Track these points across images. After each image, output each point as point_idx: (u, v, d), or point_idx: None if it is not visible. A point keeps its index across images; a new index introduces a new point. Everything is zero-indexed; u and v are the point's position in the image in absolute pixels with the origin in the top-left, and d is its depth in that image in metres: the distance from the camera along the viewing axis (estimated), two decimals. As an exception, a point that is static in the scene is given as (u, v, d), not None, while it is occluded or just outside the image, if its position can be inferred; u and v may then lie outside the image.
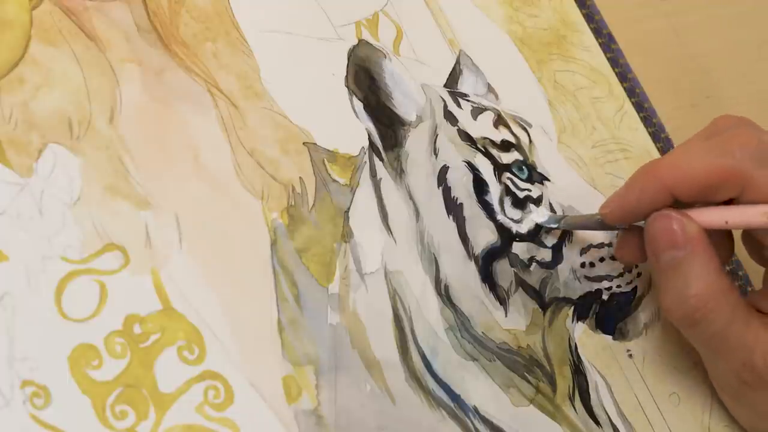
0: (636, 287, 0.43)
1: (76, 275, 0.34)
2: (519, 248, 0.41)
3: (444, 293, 0.40)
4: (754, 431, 0.42)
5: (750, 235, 0.41)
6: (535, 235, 0.42)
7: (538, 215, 0.42)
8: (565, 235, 0.42)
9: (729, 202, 0.38)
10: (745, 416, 0.41)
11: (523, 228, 0.42)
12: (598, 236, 0.43)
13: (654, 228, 0.38)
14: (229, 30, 0.41)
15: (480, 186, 0.42)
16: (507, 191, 0.42)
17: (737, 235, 0.42)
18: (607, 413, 0.41)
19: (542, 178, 0.43)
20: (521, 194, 0.42)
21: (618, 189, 0.40)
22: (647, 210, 0.38)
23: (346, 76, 0.42)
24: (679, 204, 0.38)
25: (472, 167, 0.42)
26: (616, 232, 0.43)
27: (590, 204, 0.43)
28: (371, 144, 0.41)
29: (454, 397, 0.38)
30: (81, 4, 0.39)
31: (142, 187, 0.37)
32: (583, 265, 0.42)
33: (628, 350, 0.43)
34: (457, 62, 0.45)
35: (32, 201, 0.35)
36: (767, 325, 0.38)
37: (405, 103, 0.43)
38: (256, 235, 0.38)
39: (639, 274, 0.43)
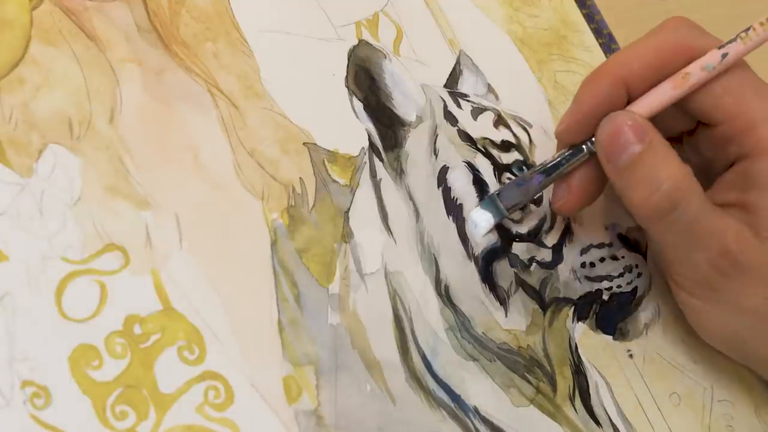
0: (636, 287, 0.43)
1: (76, 275, 0.34)
2: (519, 248, 0.41)
3: (444, 293, 0.40)
4: (730, 339, 0.41)
5: (700, 126, 0.41)
6: (535, 235, 0.42)
7: (477, 231, 0.41)
8: (566, 235, 0.42)
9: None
10: (717, 319, 0.40)
11: (523, 228, 0.42)
12: (599, 236, 0.43)
13: (607, 130, 0.38)
14: (229, 30, 0.41)
15: (480, 186, 0.42)
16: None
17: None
18: (607, 413, 0.41)
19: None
20: (521, 194, 0.42)
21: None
22: (603, 113, 0.38)
23: (346, 77, 0.42)
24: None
25: (472, 167, 0.42)
26: (617, 232, 0.43)
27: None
28: (371, 144, 0.41)
29: (455, 397, 0.38)
30: (81, 4, 0.39)
31: (142, 187, 0.37)
32: (583, 265, 0.42)
33: (629, 350, 0.43)
34: (457, 62, 0.45)
35: (32, 201, 0.35)
36: (730, 214, 0.38)
37: (405, 104, 0.43)
38: (257, 235, 0.38)
39: (639, 275, 0.43)
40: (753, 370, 0.43)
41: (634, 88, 0.38)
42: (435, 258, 0.40)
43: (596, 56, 0.49)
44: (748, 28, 0.39)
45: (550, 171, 0.40)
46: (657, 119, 0.38)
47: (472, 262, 0.41)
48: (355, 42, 0.43)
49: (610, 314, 0.43)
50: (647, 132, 0.37)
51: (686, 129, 0.41)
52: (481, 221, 0.41)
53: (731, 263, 0.37)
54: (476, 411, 0.38)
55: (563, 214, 0.42)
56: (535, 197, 0.41)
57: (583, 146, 0.39)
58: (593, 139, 0.39)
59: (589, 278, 0.42)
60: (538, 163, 0.42)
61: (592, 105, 0.38)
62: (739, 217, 0.38)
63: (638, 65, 0.38)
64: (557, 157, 0.40)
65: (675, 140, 0.41)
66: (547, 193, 0.42)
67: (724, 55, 0.38)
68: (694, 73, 0.38)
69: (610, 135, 0.38)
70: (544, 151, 0.44)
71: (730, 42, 0.38)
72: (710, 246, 0.38)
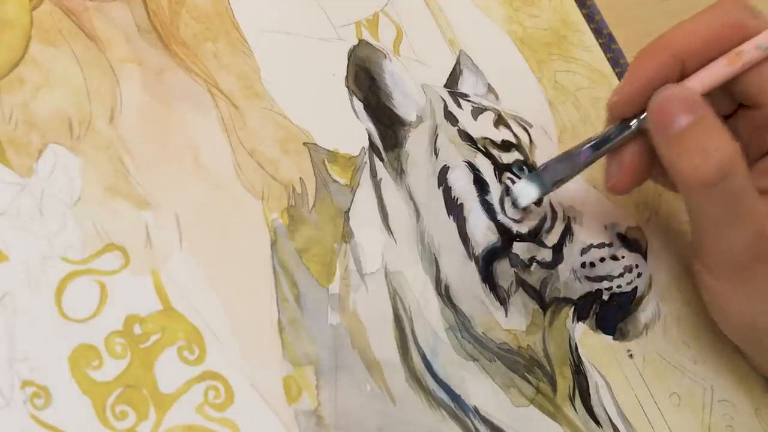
0: (636, 287, 0.43)
1: (76, 275, 0.34)
2: (519, 248, 0.41)
3: (444, 293, 0.40)
4: (746, 325, 0.41)
5: (745, 107, 0.41)
6: (536, 235, 0.42)
7: (521, 199, 0.41)
8: (566, 235, 0.42)
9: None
10: (743, 303, 0.40)
11: (524, 228, 0.42)
12: (599, 236, 0.43)
13: (659, 101, 0.38)
14: (229, 30, 0.41)
15: (480, 186, 0.42)
16: (507, 191, 0.42)
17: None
18: (607, 413, 0.41)
19: (542, 178, 0.43)
20: (521, 194, 0.42)
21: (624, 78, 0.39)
22: (656, 88, 0.38)
23: (347, 77, 0.42)
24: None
25: (472, 167, 0.42)
26: (617, 232, 0.43)
27: (590, 204, 0.43)
28: (371, 144, 0.41)
29: (455, 397, 0.38)
30: (81, 4, 0.39)
31: (142, 187, 0.37)
32: (583, 265, 0.42)
33: (629, 350, 0.43)
34: (458, 62, 0.45)
35: (32, 201, 0.35)
36: (766, 200, 0.38)
37: (405, 104, 0.43)
38: (257, 235, 0.38)
39: (639, 275, 0.43)
40: (756, 368, 0.43)
41: (688, 64, 0.39)
42: (435, 258, 0.40)
43: (596, 56, 0.49)
44: None
45: (599, 145, 0.39)
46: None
47: (473, 262, 0.41)
48: (355, 42, 0.43)
49: (610, 314, 0.43)
50: (699, 105, 0.37)
51: (726, 112, 0.41)
52: (524, 193, 0.40)
53: (767, 247, 0.37)
54: (476, 411, 0.38)
55: (616, 193, 0.41)
56: (579, 173, 0.41)
57: (631, 123, 0.39)
58: (643, 116, 0.39)
59: (589, 278, 0.42)
60: (548, 157, 0.41)
61: (646, 77, 0.38)
62: None
63: (693, 41, 0.38)
64: (607, 132, 0.39)
65: None
66: (547, 194, 0.42)
67: None
68: (748, 51, 0.38)
69: (661, 106, 0.38)
70: (545, 151, 0.44)
71: None
72: (750, 226, 0.37)
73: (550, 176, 0.40)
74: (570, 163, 0.40)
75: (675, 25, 0.39)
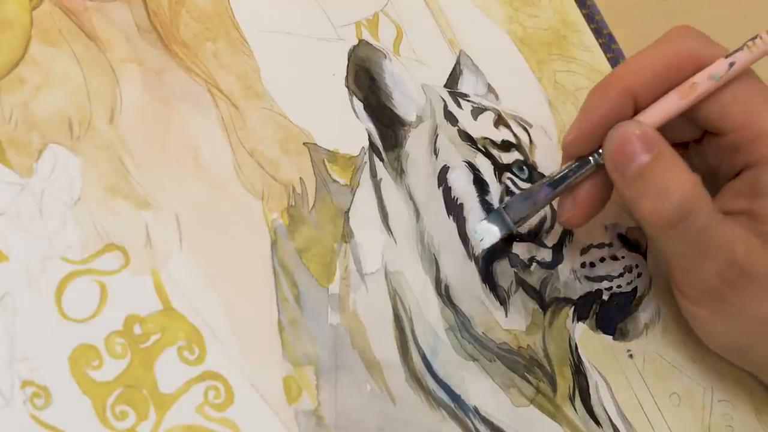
0: (636, 287, 0.43)
1: (76, 275, 0.34)
2: (519, 248, 0.41)
3: (444, 293, 0.40)
4: (732, 348, 0.41)
5: (707, 135, 0.41)
6: (536, 235, 0.42)
7: (483, 243, 0.40)
8: (566, 235, 0.42)
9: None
10: (721, 329, 0.40)
11: (524, 228, 0.42)
12: (599, 236, 0.43)
13: (615, 140, 0.37)
14: (229, 30, 0.41)
15: (480, 186, 0.42)
16: (507, 191, 0.42)
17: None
18: (607, 413, 0.41)
19: (542, 178, 0.43)
20: (521, 194, 0.42)
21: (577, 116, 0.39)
22: (611, 124, 0.38)
23: (347, 77, 0.42)
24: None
25: (472, 167, 0.42)
26: (617, 232, 0.43)
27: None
28: (371, 144, 0.41)
29: (455, 397, 0.38)
30: (81, 4, 0.39)
31: (142, 187, 0.37)
32: (583, 265, 0.42)
33: (629, 350, 0.43)
34: (458, 62, 0.45)
35: (32, 201, 0.35)
36: (737, 222, 0.38)
37: (405, 104, 0.43)
38: (257, 235, 0.38)
39: (639, 275, 0.43)
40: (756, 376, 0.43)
41: (642, 98, 0.38)
42: (435, 258, 0.40)
43: (596, 56, 0.49)
44: (755, 37, 0.38)
45: (557, 183, 0.39)
46: (664, 128, 0.38)
47: (473, 262, 0.41)
48: (355, 42, 0.43)
49: (610, 314, 0.43)
50: (655, 142, 0.37)
51: (693, 138, 0.41)
52: (487, 234, 0.40)
53: (739, 274, 0.37)
54: (476, 411, 0.38)
55: (570, 227, 0.42)
56: (540, 210, 0.41)
57: (590, 158, 0.39)
58: (600, 150, 0.38)
59: (589, 278, 0.42)
60: (546, 174, 0.42)
61: (599, 115, 0.38)
62: (746, 225, 0.38)
63: (645, 75, 0.38)
64: (564, 170, 0.39)
65: (681, 147, 0.41)
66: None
67: (731, 64, 0.38)
68: (701, 82, 0.38)
69: (618, 145, 0.37)
70: (544, 151, 0.44)
71: (736, 51, 0.38)
72: (719, 256, 0.37)
73: (512, 215, 0.40)
74: (531, 200, 0.40)
75: (626, 60, 0.39)
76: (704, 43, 0.39)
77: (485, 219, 0.40)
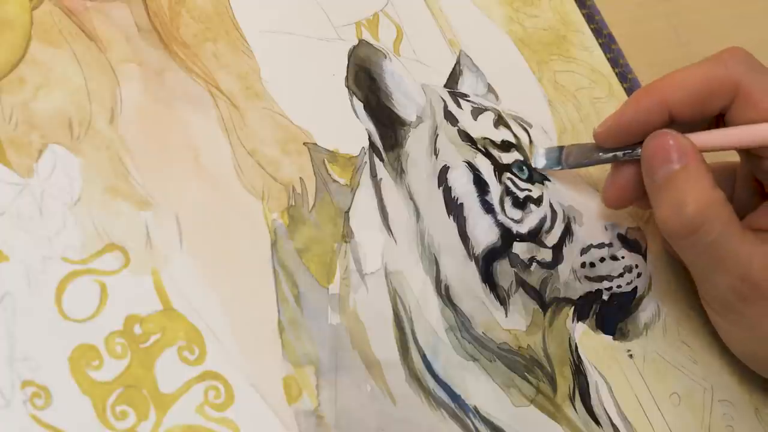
0: (636, 287, 0.43)
1: (76, 275, 0.34)
2: (519, 248, 0.41)
3: (444, 293, 0.40)
4: (749, 356, 0.42)
5: (750, 153, 0.42)
6: (536, 235, 0.42)
7: (537, 161, 0.43)
8: (566, 235, 0.42)
9: (719, 122, 0.40)
10: (739, 338, 0.41)
11: (524, 228, 0.42)
12: (599, 236, 0.43)
13: (650, 145, 0.39)
14: (229, 30, 0.41)
15: (480, 186, 0.42)
16: (507, 191, 0.42)
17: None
18: (607, 413, 0.41)
19: (542, 179, 0.43)
20: (521, 194, 0.42)
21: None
22: (643, 128, 0.40)
23: (347, 77, 0.42)
24: (676, 129, 0.40)
25: (472, 167, 0.42)
26: (617, 232, 0.43)
27: (590, 205, 0.43)
28: (371, 144, 0.41)
29: (455, 397, 0.38)
30: (81, 5, 0.39)
31: (142, 187, 0.37)
32: (583, 265, 0.42)
33: (629, 350, 0.43)
34: (457, 62, 0.45)
35: (33, 201, 0.35)
36: (762, 240, 0.38)
37: (405, 104, 0.43)
38: (257, 235, 0.38)
39: (639, 275, 0.43)
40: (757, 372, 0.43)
41: (677, 112, 0.40)
42: (435, 258, 0.40)
43: (596, 56, 0.49)
44: None
45: (607, 152, 0.41)
46: None
47: (473, 262, 0.41)
48: (355, 42, 0.43)
49: (610, 314, 0.43)
50: (686, 153, 0.39)
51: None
52: (543, 159, 0.43)
53: (752, 289, 0.38)
54: (476, 411, 0.38)
55: (608, 206, 0.43)
56: (587, 163, 0.43)
57: (639, 148, 0.40)
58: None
59: (589, 278, 0.42)
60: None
61: (633, 117, 0.40)
62: None
63: (682, 92, 0.39)
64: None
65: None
66: (548, 194, 0.42)
67: None
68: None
69: (653, 148, 0.39)
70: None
71: None
72: (731, 270, 0.38)
73: (571, 159, 0.42)
74: (587, 152, 0.42)
75: (671, 72, 0.41)
76: (748, 69, 0.40)
77: (546, 148, 0.43)
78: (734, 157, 0.43)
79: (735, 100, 0.39)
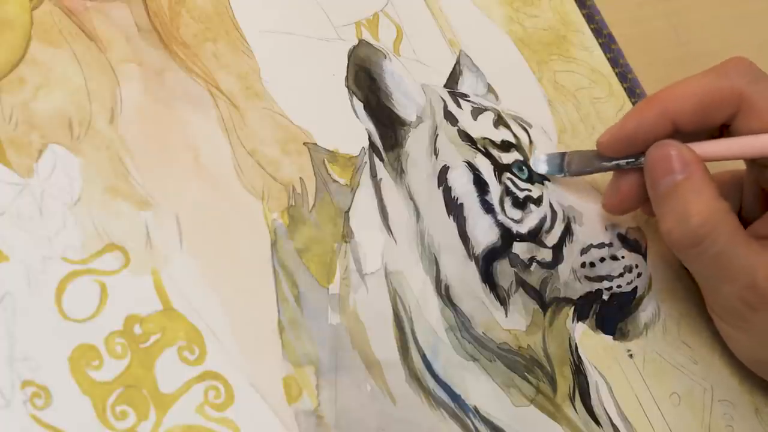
0: (636, 287, 0.43)
1: (76, 275, 0.34)
2: (519, 248, 0.41)
3: (444, 293, 0.40)
4: (757, 363, 0.42)
5: (755, 162, 0.42)
6: (536, 235, 0.42)
7: (538, 166, 0.43)
8: (566, 235, 0.42)
9: (723, 131, 0.40)
10: (746, 345, 0.42)
11: (524, 228, 0.42)
12: (599, 236, 0.43)
13: (653, 156, 0.39)
14: (229, 30, 0.41)
15: (480, 186, 0.42)
16: (507, 191, 0.42)
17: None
18: (607, 413, 0.41)
19: (542, 178, 0.43)
20: (521, 194, 0.42)
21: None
22: (645, 138, 0.40)
23: (347, 77, 0.42)
24: (680, 138, 0.40)
25: (472, 167, 0.42)
26: (617, 232, 0.43)
27: (590, 205, 0.43)
28: (371, 144, 0.41)
29: (455, 397, 0.38)
30: (81, 5, 0.39)
31: (142, 187, 0.37)
32: (583, 265, 0.42)
33: (629, 350, 0.43)
34: (457, 62, 0.45)
35: (32, 201, 0.35)
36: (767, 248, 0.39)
37: (405, 104, 0.43)
38: (257, 235, 0.38)
39: (639, 275, 0.43)
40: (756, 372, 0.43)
41: (681, 122, 0.40)
42: (435, 258, 0.40)
43: (596, 56, 0.49)
44: None
45: (609, 160, 0.41)
46: None
47: (473, 262, 0.41)
48: (355, 42, 0.43)
49: (610, 314, 0.43)
50: (690, 163, 0.39)
51: None
52: (544, 165, 0.43)
53: (759, 297, 0.38)
54: (476, 411, 0.38)
55: (610, 212, 0.43)
56: (580, 172, 0.43)
57: (642, 157, 0.40)
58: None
59: (589, 278, 0.42)
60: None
61: (636, 127, 0.40)
62: None
63: (685, 103, 0.40)
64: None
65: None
66: (548, 194, 0.42)
67: None
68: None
69: (656, 159, 0.39)
70: (544, 151, 0.44)
71: None
72: (738, 279, 0.38)
73: (572, 165, 0.42)
74: (588, 159, 0.42)
75: (674, 83, 0.41)
76: (752, 79, 0.40)
77: (547, 153, 0.43)
78: (743, 165, 0.43)
79: (739, 110, 0.39)
